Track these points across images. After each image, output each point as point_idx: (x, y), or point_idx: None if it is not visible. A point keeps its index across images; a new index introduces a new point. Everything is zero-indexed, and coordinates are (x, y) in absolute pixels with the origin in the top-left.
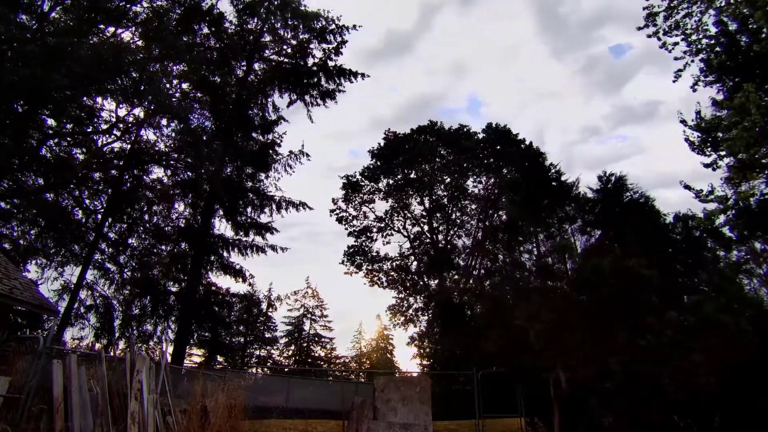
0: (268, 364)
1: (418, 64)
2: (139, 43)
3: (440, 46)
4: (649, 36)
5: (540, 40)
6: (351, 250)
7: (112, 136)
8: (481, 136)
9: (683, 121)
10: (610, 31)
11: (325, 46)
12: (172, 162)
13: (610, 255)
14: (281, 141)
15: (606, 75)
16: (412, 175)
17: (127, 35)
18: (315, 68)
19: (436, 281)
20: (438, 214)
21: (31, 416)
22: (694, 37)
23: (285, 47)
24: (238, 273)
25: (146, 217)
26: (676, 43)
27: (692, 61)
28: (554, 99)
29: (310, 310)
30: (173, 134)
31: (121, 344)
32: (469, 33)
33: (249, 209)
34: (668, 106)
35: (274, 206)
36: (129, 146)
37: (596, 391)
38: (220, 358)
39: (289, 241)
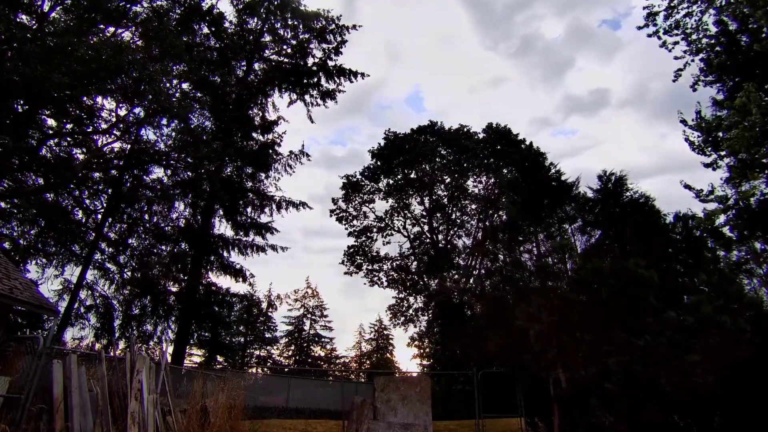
0: (268, 364)
1: (352, 52)
2: (139, 42)
3: (371, 33)
4: (649, 35)
5: (472, 27)
6: (351, 250)
7: (112, 136)
8: (481, 136)
9: (683, 121)
10: (539, 12)
11: (325, 45)
12: (172, 162)
13: (610, 255)
14: (281, 141)
15: (544, 61)
16: (412, 175)
17: (127, 35)
18: (315, 68)
19: (436, 281)
20: (438, 214)
21: (31, 416)
22: (694, 36)
23: (285, 47)
24: (238, 273)
25: (146, 217)
26: (676, 43)
27: (692, 60)
28: (496, 88)
29: (310, 310)
30: (173, 134)
31: (121, 344)
32: (400, 20)
33: (249, 209)
34: (618, 94)
35: (274, 206)
36: (129, 146)
37: (596, 391)
38: (220, 358)
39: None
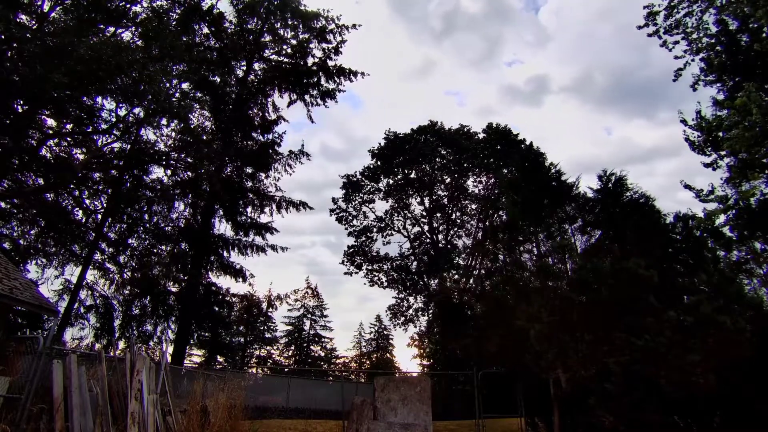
0: (268, 364)
1: None
2: (139, 42)
3: None
4: (649, 35)
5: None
6: (351, 250)
7: (112, 136)
8: (481, 136)
9: (683, 121)
10: None
11: (324, 45)
12: (172, 162)
13: (610, 255)
14: (281, 141)
15: (472, 44)
16: (412, 175)
17: (127, 35)
18: (315, 68)
19: (436, 281)
20: (438, 214)
21: (31, 416)
22: (694, 36)
23: (285, 47)
24: (238, 273)
25: (146, 217)
26: (676, 42)
27: (692, 60)
28: (426, 73)
29: (310, 310)
30: (173, 134)
31: (121, 344)
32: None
33: (249, 209)
34: (558, 82)
35: (274, 206)
36: (129, 146)
37: (596, 391)
38: (220, 358)
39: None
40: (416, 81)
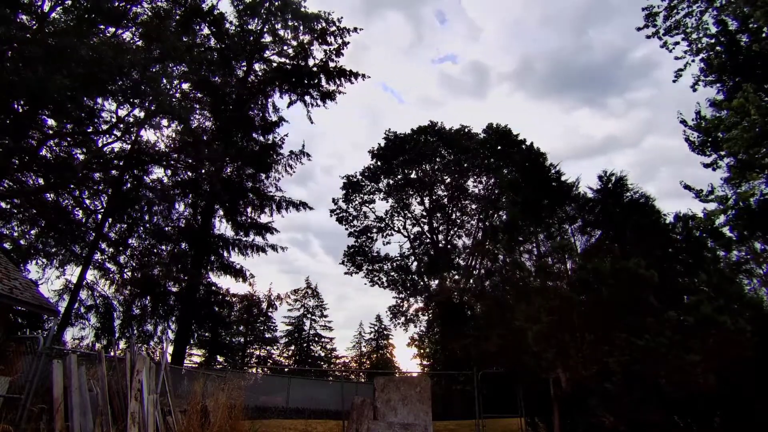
0: (268, 364)
1: None
2: (140, 43)
3: None
4: (649, 36)
5: None
6: (351, 250)
7: (113, 137)
8: (481, 136)
9: (683, 121)
10: None
11: (325, 47)
12: (172, 162)
13: (610, 255)
14: (282, 141)
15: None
16: (412, 175)
17: (127, 35)
18: (315, 69)
19: (436, 281)
20: (438, 214)
21: (31, 416)
22: (694, 36)
23: (286, 48)
24: (238, 273)
25: (146, 217)
26: (676, 43)
27: (692, 60)
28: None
29: (310, 310)
30: (173, 134)
31: (121, 344)
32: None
33: (249, 209)
34: (499, 69)
35: (274, 206)
36: (129, 146)
37: (596, 391)
38: (220, 358)
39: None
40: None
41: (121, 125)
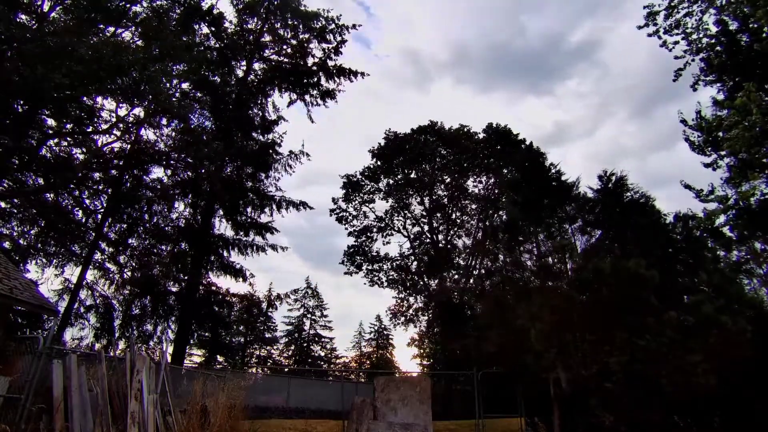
0: (268, 364)
1: None
2: (139, 42)
3: None
4: (649, 35)
5: None
6: (351, 250)
7: (112, 136)
8: (481, 136)
9: (683, 121)
10: None
11: (325, 45)
12: (172, 162)
13: (610, 255)
14: (281, 141)
15: None
16: (412, 175)
17: (127, 35)
18: (315, 68)
19: (436, 281)
20: (438, 214)
21: (31, 416)
22: (694, 36)
23: (285, 47)
24: (238, 273)
25: (146, 217)
26: (676, 42)
27: (693, 60)
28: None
29: (310, 310)
30: (173, 134)
31: (121, 344)
32: None
33: (249, 209)
34: (436, 57)
35: (274, 206)
36: (129, 146)
37: (596, 391)
38: (220, 358)
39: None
40: None
41: (121, 125)
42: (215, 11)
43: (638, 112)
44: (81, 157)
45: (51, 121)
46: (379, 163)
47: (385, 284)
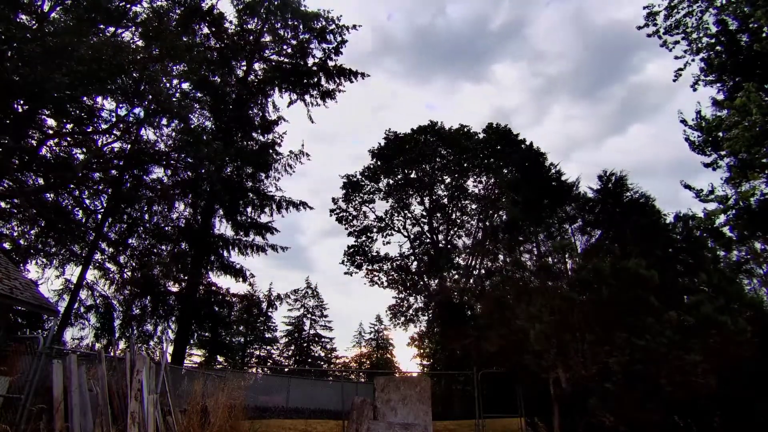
0: (268, 364)
1: None
2: (139, 43)
3: None
4: (649, 35)
5: None
6: (351, 250)
7: (112, 136)
8: (481, 136)
9: (683, 121)
10: None
11: (325, 45)
12: (172, 162)
13: (610, 255)
14: (281, 141)
15: None
16: (412, 175)
17: (127, 35)
18: (315, 68)
19: (436, 281)
20: (438, 214)
21: (31, 416)
22: (694, 36)
23: (285, 47)
24: (238, 273)
25: (146, 217)
26: (676, 42)
27: (693, 60)
28: None
29: (310, 310)
30: (173, 134)
31: (121, 344)
32: None
33: (249, 209)
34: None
35: (274, 206)
36: (129, 146)
37: (596, 391)
38: (220, 358)
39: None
40: None
41: (121, 125)
42: (215, 11)
43: (584, 94)
44: (81, 157)
45: (51, 121)
46: (379, 163)
47: (385, 284)
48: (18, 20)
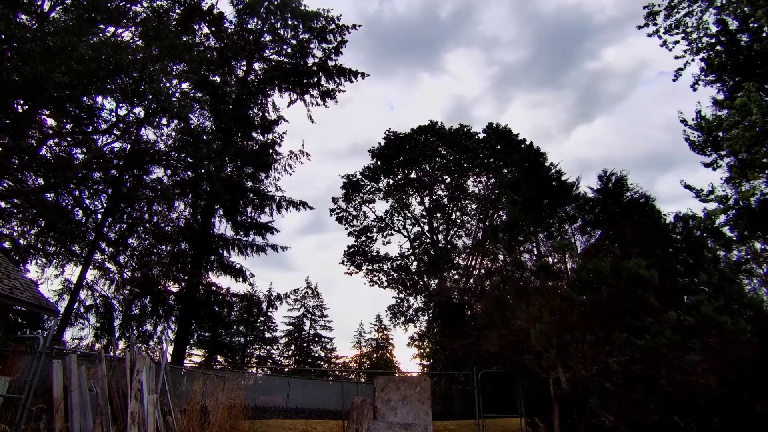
0: (268, 364)
1: None
2: (139, 42)
3: None
4: (649, 35)
5: None
6: (351, 250)
7: (112, 136)
8: (481, 136)
9: (683, 121)
10: None
11: (325, 45)
12: (172, 162)
13: (610, 255)
14: (281, 141)
15: None
16: (412, 175)
17: (127, 35)
18: (315, 68)
19: (436, 281)
20: (438, 214)
21: (31, 416)
22: (694, 35)
23: (285, 47)
24: (238, 273)
25: (146, 217)
26: (676, 42)
27: (693, 60)
28: None
29: (310, 310)
30: (173, 134)
31: (121, 344)
32: None
33: (249, 209)
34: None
35: (274, 206)
36: (129, 146)
37: (596, 391)
38: (220, 358)
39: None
40: None
41: (121, 124)
42: (215, 11)
43: (544, 81)
44: (81, 157)
45: (51, 121)
46: (378, 163)
47: (385, 284)
48: (18, 20)
